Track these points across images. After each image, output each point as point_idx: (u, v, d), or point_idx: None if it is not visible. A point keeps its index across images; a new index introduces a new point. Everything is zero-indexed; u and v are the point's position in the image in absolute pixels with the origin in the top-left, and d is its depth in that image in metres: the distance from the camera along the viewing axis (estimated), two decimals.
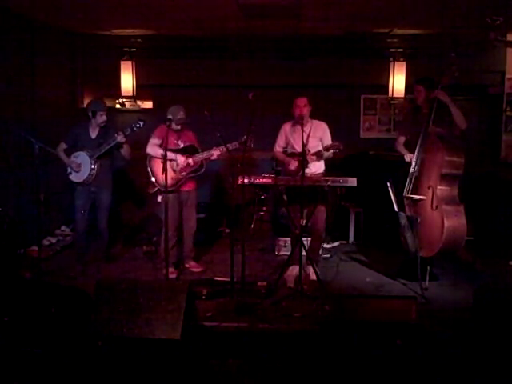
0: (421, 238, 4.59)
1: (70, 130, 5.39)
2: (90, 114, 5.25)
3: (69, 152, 5.28)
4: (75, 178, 5.25)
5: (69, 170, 5.26)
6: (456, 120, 4.68)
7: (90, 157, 5.17)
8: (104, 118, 5.27)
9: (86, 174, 5.19)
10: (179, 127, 5.14)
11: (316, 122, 5.08)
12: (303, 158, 4.61)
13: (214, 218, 6.83)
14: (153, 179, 5.10)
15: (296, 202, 4.83)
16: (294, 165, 4.95)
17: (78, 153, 5.24)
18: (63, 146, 5.28)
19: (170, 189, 4.94)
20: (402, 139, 5.14)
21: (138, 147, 5.35)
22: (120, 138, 5.10)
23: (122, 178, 6.32)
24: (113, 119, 6.92)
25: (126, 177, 6.98)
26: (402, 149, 5.08)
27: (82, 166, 5.20)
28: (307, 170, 4.84)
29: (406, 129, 5.16)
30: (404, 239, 4.74)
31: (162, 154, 4.69)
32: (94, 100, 5.70)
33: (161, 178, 4.78)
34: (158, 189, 5.05)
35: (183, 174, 5.10)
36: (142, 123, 5.13)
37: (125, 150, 5.28)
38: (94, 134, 5.30)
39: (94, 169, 5.18)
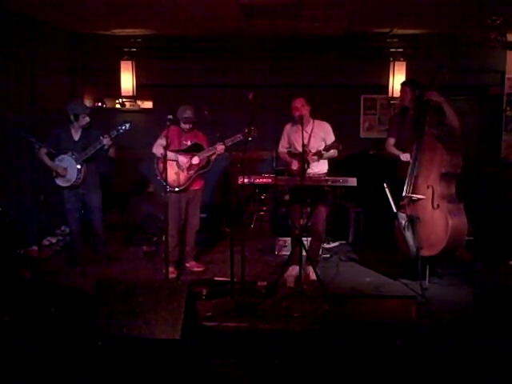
0: (422, 237, 4.60)
1: (52, 132, 5.27)
2: (71, 117, 5.14)
3: (51, 155, 5.15)
4: (62, 182, 5.17)
5: (54, 174, 5.17)
6: (449, 119, 4.74)
7: (76, 160, 5.09)
8: (87, 119, 5.18)
9: (74, 178, 5.12)
10: (187, 127, 5.13)
11: (318, 122, 5.05)
12: (303, 158, 4.61)
13: (215, 218, 6.83)
14: (161, 179, 5.09)
15: (296, 202, 4.83)
16: (295, 165, 4.94)
17: (62, 156, 5.13)
18: (44, 150, 5.12)
19: (180, 188, 5.02)
20: (391, 140, 5.21)
21: (123, 147, 5.31)
22: (106, 141, 5.04)
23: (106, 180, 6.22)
24: (113, 119, 6.95)
25: (109, 179, 6.89)
26: (394, 149, 5.13)
27: (69, 170, 5.11)
28: (309, 170, 4.84)
29: (395, 130, 5.22)
30: (402, 239, 4.73)
31: (161, 154, 4.69)
32: (73, 102, 5.48)
33: (168, 177, 4.80)
34: (169, 189, 4.98)
35: (191, 172, 5.11)
36: (127, 125, 5.08)
37: (110, 152, 5.22)
38: (76, 136, 5.22)
39: (81, 172, 5.11)
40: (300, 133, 4.70)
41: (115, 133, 5.07)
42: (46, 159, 5.15)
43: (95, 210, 5.35)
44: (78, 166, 5.11)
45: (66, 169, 5.12)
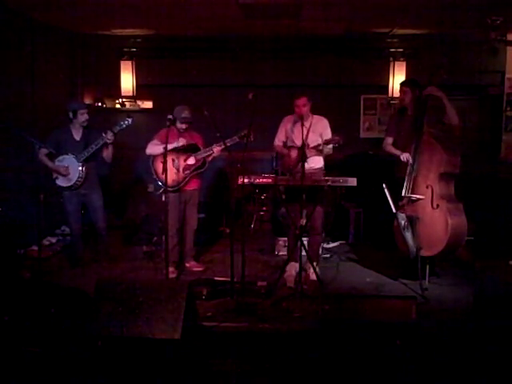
0: (421, 237, 4.60)
1: (51, 133, 5.24)
2: (70, 114, 5.13)
3: (50, 157, 5.13)
4: (63, 182, 5.15)
5: (54, 175, 5.15)
6: (449, 114, 4.75)
7: (78, 159, 5.08)
8: (86, 116, 5.16)
9: (76, 178, 5.10)
10: (184, 127, 5.13)
11: (317, 117, 5.07)
12: (303, 155, 4.57)
13: (214, 218, 6.83)
14: (157, 179, 5.10)
15: (295, 201, 4.82)
16: (292, 155, 4.89)
17: (62, 157, 5.12)
18: (45, 151, 5.10)
19: (175, 188, 5.00)
20: (389, 140, 5.19)
21: (123, 147, 5.30)
22: (110, 137, 5.03)
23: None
24: (113, 119, 6.94)
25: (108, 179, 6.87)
26: (392, 149, 5.11)
27: (70, 170, 5.10)
28: (306, 165, 4.83)
29: (393, 129, 5.21)
30: (402, 240, 4.73)
31: (163, 148, 4.63)
32: (71, 100, 5.57)
33: (164, 177, 4.78)
34: (164, 189, 4.99)
35: (187, 172, 5.11)
36: (130, 120, 5.07)
37: (108, 151, 5.20)
38: (78, 136, 5.20)
39: (82, 171, 5.10)
40: (300, 129, 4.70)
41: (118, 128, 5.06)
42: (46, 160, 5.13)
43: (98, 210, 5.34)
44: (80, 166, 5.10)
45: (67, 168, 5.10)
